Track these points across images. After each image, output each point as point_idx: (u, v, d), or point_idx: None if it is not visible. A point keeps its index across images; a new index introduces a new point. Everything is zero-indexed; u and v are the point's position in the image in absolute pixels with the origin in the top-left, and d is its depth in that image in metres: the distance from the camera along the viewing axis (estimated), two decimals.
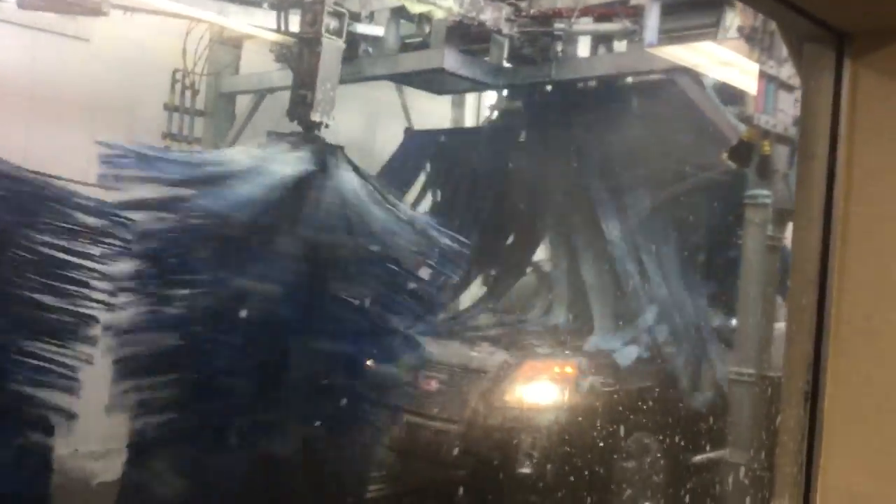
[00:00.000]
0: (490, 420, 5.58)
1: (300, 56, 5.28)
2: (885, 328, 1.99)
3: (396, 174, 7.69)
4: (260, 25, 6.63)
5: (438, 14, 6.25)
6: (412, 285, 5.29)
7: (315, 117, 5.34)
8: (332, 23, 5.28)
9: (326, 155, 5.22)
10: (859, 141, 2.12)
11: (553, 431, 5.54)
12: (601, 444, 5.65)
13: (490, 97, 8.67)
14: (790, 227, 5.09)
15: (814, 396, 1.92)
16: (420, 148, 8.11)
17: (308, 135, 5.37)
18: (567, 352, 6.20)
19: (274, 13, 6.22)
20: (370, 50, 6.90)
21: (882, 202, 2.06)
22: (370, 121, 8.89)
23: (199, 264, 4.48)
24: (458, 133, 8.72)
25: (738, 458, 4.81)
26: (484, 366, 5.84)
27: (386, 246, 5.24)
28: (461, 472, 5.48)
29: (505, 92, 7.86)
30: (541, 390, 5.76)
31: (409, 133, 8.37)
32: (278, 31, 6.11)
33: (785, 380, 1.96)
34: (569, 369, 5.79)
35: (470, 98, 9.22)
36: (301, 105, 5.27)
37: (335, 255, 4.89)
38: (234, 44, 7.82)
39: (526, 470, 5.41)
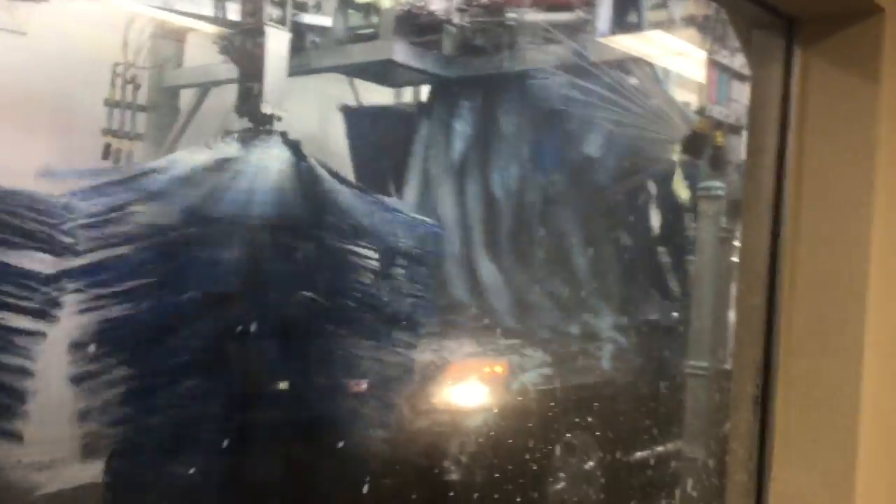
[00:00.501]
0: (416, 424, 5.30)
1: (243, 48, 5.10)
2: (839, 327, 1.90)
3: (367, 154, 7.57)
4: (204, 16, 6.42)
5: (386, 3, 6.10)
6: (383, 277, 5.17)
7: (266, 110, 5.16)
8: (275, 12, 5.10)
9: (277, 147, 5.07)
10: (810, 132, 2.03)
11: (482, 435, 5.29)
12: (532, 447, 5.42)
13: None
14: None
15: (764, 400, 1.83)
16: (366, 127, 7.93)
17: (261, 129, 5.20)
18: (501, 349, 5.95)
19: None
20: (318, 41, 6.73)
21: (834, 195, 1.97)
22: (322, 115, 8.71)
23: (151, 271, 4.33)
24: (390, 111, 8.47)
25: (694, 454, 4.76)
26: (410, 367, 5.57)
27: (355, 237, 5.13)
28: (386, 480, 5.13)
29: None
30: (469, 391, 5.50)
31: (347, 110, 8.12)
32: (216, 21, 5.90)
33: (734, 384, 1.87)
34: (499, 369, 5.57)
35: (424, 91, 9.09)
36: (249, 99, 5.10)
37: (299, 249, 4.77)
38: (177, 36, 7.58)
39: (454, 476, 5.16)
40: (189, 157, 5.07)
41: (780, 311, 1.88)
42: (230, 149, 5.13)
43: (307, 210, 5.00)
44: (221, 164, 4.84)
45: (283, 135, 5.29)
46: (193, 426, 4.54)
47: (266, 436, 4.73)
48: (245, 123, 5.34)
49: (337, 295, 5.11)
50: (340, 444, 4.92)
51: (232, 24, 5.67)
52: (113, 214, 4.55)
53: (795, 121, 2.07)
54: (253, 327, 4.55)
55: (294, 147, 5.20)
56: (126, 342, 4.49)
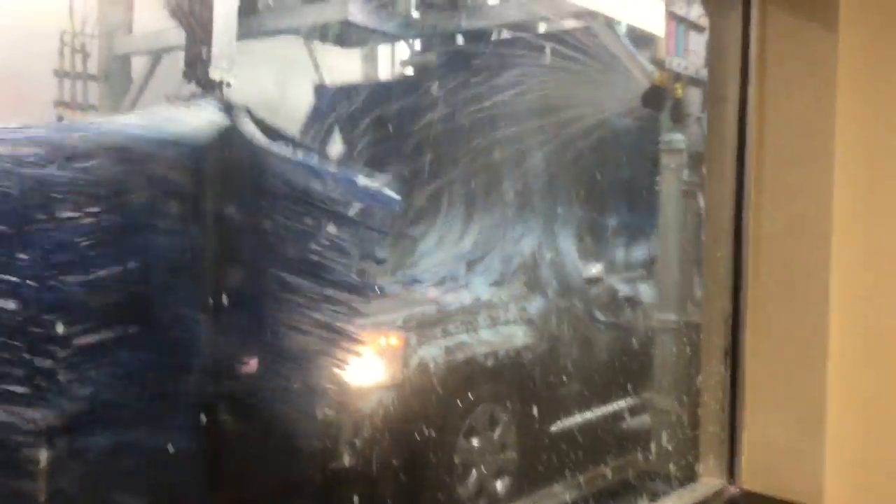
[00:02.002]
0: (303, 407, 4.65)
1: (191, 10, 4.96)
2: (804, 276, 1.91)
3: (315, 133, 7.44)
4: None
5: None
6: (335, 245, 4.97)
7: (214, 75, 5.03)
8: None
9: (230, 114, 4.93)
10: (770, 80, 2.02)
11: (377, 416, 4.79)
12: (436, 425, 4.95)
13: (402, 49, 8.44)
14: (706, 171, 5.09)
15: (734, 352, 1.84)
16: (333, 104, 7.86)
17: (208, 94, 5.07)
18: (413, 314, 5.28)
19: None
20: (270, 3, 6.60)
21: (796, 143, 1.97)
22: (278, 78, 8.57)
23: (92, 244, 4.19)
24: (369, 88, 8.49)
25: (664, 405, 4.83)
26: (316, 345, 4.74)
27: (306, 204, 4.97)
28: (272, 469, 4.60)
29: (416, 45, 7.65)
30: (362, 367, 4.86)
31: (320, 90, 8.11)
32: None
33: (704, 336, 1.87)
34: (394, 340, 4.98)
35: (383, 51, 8.98)
36: (197, 63, 4.97)
37: (247, 220, 4.64)
38: (125, 1, 7.39)
39: (345, 463, 4.71)
40: (130, 122, 4.86)
41: (747, 263, 1.89)
42: (168, 113, 4.93)
43: (236, 174, 4.77)
44: (153, 129, 4.64)
45: (223, 99, 5.10)
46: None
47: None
48: (193, 89, 5.21)
49: (253, 263, 4.79)
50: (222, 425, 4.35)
51: None
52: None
53: (755, 70, 2.06)
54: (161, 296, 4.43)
55: (233, 111, 4.97)
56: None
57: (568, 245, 6.27)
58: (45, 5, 6.78)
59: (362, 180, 5.11)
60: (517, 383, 5.47)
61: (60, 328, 4.13)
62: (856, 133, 2.01)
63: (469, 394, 5.15)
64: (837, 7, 2.02)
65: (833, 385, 1.82)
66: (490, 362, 5.31)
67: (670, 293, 5.13)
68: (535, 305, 5.79)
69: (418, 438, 4.82)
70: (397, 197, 5.38)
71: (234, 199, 4.68)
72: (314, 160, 5.18)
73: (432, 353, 5.05)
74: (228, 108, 4.98)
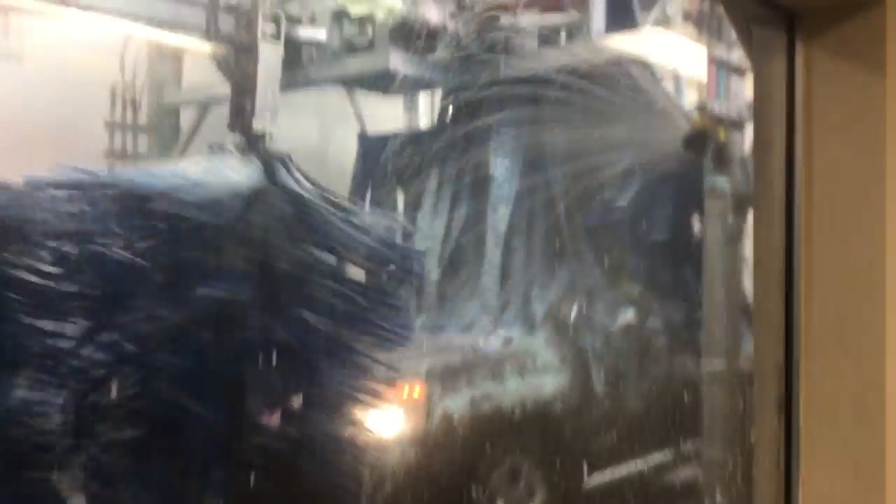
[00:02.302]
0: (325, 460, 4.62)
1: (238, 64, 5.10)
2: (858, 325, 1.86)
3: (357, 182, 7.47)
4: (200, 33, 6.41)
5: (380, 14, 6.11)
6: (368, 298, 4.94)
7: (258, 126, 5.15)
8: (269, 27, 5.09)
9: (271, 164, 5.02)
10: (817, 127, 2.00)
11: (399, 472, 4.55)
12: (459, 482, 4.70)
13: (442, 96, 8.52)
14: (751, 214, 5.03)
15: (787, 405, 1.80)
16: (373, 153, 7.92)
17: (251, 145, 5.18)
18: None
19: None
20: (314, 54, 6.73)
21: (846, 189, 1.94)
22: (322, 127, 8.70)
23: (133, 288, 4.26)
24: (408, 136, 8.52)
25: (715, 456, 4.70)
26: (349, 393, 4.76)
27: (339, 256, 5.00)
28: None
29: (454, 90, 7.72)
30: (383, 420, 4.67)
31: (363, 138, 8.18)
32: (211, 38, 5.91)
33: (756, 389, 1.83)
34: (417, 391, 4.74)
35: (423, 98, 9.08)
36: (241, 114, 5.09)
37: (282, 268, 4.68)
38: (175, 56, 7.58)
39: None
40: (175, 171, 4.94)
41: (799, 313, 1.85)
42: (211, 164, 5.01)
43: (276, 226, 4.80)
44: (204, 181, 4.70)
45: (265, 150, 5.17)
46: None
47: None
48: (237, 139, 5.32)
49: (290, 315, 4.74)
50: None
51: (228, 41, 5.68)
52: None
53: (801, 115, 2.04)
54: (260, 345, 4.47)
55: (272, 162, 5.02)
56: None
57: (602, 291, 6.07)
58: (98, 59, 6.98)
59: (398, 236, 5.14)
60: (547, 435, 5.22)
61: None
62: None
63: (496, 447, 4.91)
64: (884, 51, 1.99)
65: (892, 439, 1.76)
66: (518, 413, 5.08)
67: (716, 340, 5.02)
68: (567, 353, 5.57)
69: (441, 497, 4.61)
70: (425, 250, 5.35)
71: (272, 251, 4.75)
72: (352, 212, 5.25)
73: (457, 404, 4.84)
74: (270, 157, 5.09)
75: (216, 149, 5.24)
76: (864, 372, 1.83)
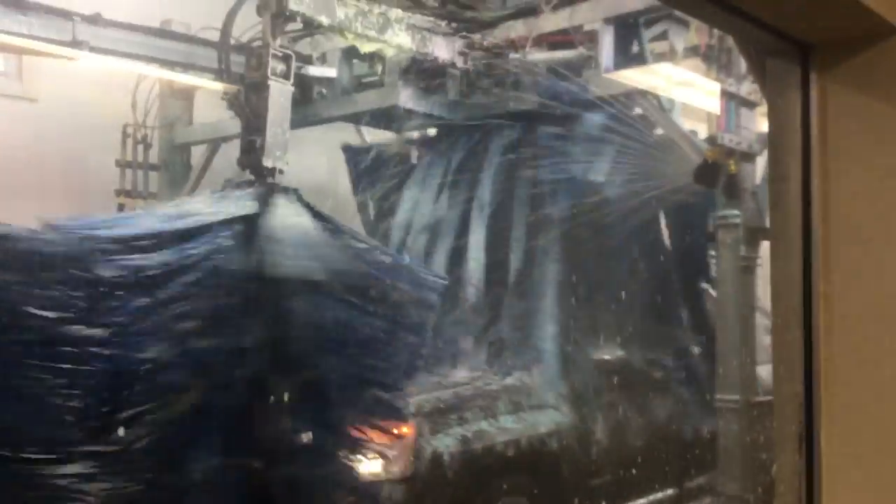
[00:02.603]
0: None
1: (248, 102, 5.13)
2: (877, 357, 1.84)
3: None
4: (210, 73, 6.48)
5: (389, 52, 6.16)
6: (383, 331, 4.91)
7: (267, 163, 5.16)
8: (279, 66, 5.13)
9: (279, 199, 5.03)
10: (833, 158, 1.99)
11: None
12: None
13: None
14: (763, 246, 5.02)
15: (808, 438, 1.77)
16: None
17: (260, 181, 5.19)
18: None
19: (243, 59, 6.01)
20: (324, 92, 6.78)
21: (864, 221, 1.93)
22: (332, 163, 8.74)
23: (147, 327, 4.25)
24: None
25: (732, 490, 4.64)
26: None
27: (351, 290, 4.98)
28: None
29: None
30: (369, 460, 4.53)
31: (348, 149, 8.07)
32: (222, 77, 5.97)
33: (777, 422, 1.80)
34: (405, 429, 4.58)
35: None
36: (251, 151, 5.10)
37: (293, 303, 4.67)
38: (186, 94, 7.65)
39: None
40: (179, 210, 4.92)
41: (818, 345, 1.83)
42: (220, 202, 5.00)
43: (284, 263, 4.78)
44: (210, 218, 4.68)
45: (272, 185, 5.17)
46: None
47: None
48: (247, 176, 5.33)
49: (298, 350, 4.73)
50: None
51: (238, 80, 5.73)
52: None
53: (817, 148, 2.03)
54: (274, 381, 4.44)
55: (282, 197, 5.01)
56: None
57: (603, 326, 5.94)
58: (109, 99, 7.05)
59: (412, 273, 5.08)
60: (543, 474, 5.06)
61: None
62: None
63: (488, 488, 4.75)
64: None
65: None
66: (511, 451, 4.91)
67: (730, 372, 4.97)
68: (564, 389, 5.41)
69: None
70: (444, 281, 5.27)
71: (284, 288, 4.74)
72: (364, 247, 5.25)
73: (447, 442, 4.68)
74: (280, 193, 5.10)
75: (227, 185, 5.26)
76: (886, 404, 1.81)
